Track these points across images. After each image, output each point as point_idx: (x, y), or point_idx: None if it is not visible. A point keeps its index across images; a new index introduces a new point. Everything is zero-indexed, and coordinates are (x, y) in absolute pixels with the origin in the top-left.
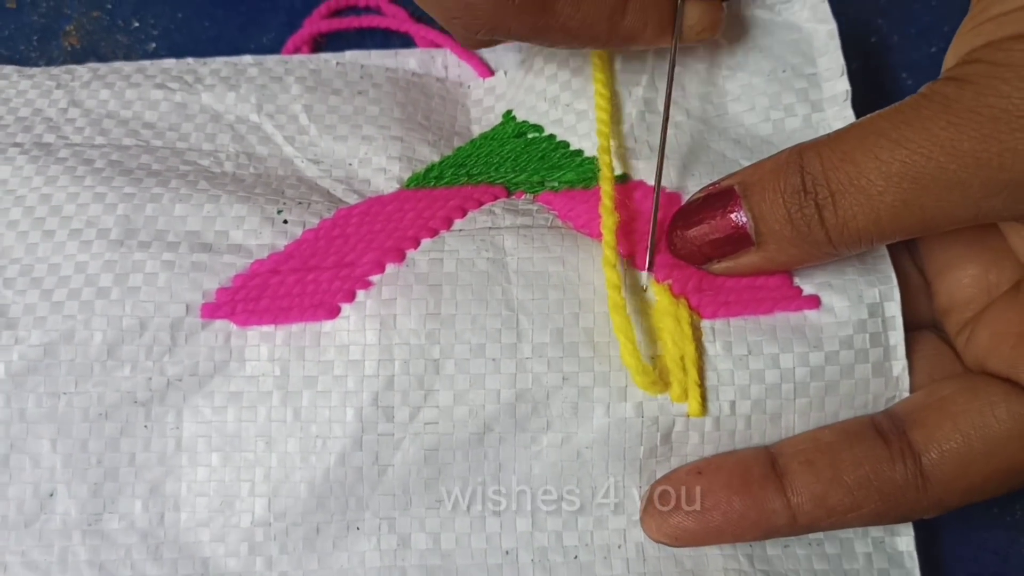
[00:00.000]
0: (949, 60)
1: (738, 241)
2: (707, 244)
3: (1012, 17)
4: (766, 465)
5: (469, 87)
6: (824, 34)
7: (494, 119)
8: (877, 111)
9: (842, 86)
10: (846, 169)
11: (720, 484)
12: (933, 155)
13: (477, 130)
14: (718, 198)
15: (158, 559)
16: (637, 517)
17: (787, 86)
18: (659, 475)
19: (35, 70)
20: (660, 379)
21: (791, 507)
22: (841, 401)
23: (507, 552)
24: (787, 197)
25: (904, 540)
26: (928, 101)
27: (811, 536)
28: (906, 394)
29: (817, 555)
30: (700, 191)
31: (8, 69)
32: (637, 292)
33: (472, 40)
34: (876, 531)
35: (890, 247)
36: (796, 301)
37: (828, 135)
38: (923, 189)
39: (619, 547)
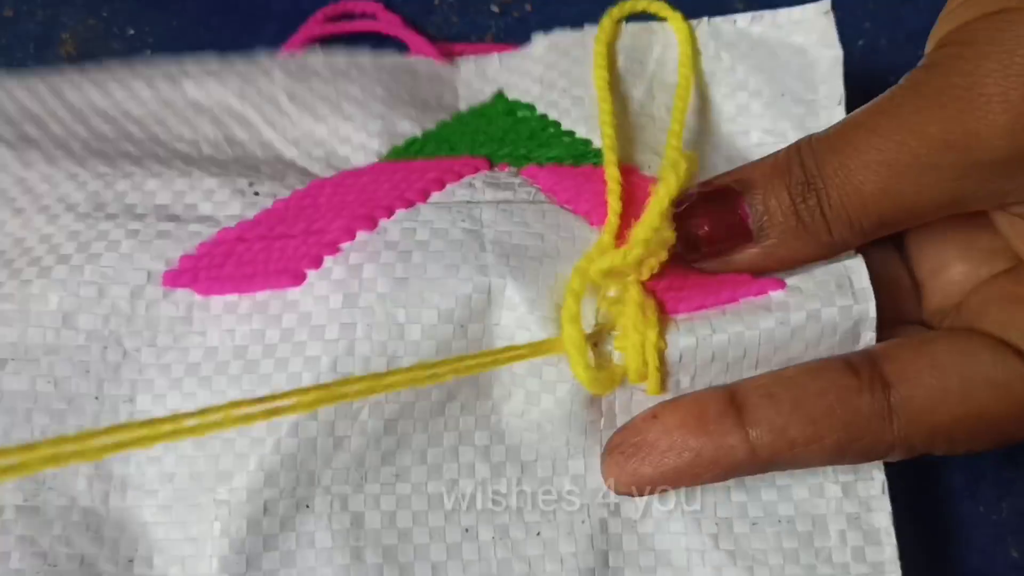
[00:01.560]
0: (927, 48)
1: (737, 236)
2: (703, 241)
3: (979, 0)
4: (723, 401)
5: (459, 66)
6: (829, 60)
7: (484, 98)
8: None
9: (838, 115)
10: (832, 161)
11: (675, 424)
12: (904, 141)
13: (464, 106)
14: (716, 196)
15: (99, 539)
16: (598, 490)
17: (784, 112)
18: None
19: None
20: (611, 379)
21: (749, 441)
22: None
23: (467, 529)
24: (792, 190)
25: (881, 516)
26: (901, 89)
27: (781, 513)
28: (872, 334)
29: (787, 532)
30: (691, 191)
31: (9, 82)
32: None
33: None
34: (851, 506)
35: (881, 250)
36: (759, 284)
37: (822, 131)
38: (899, 175)
39: (583, 522)
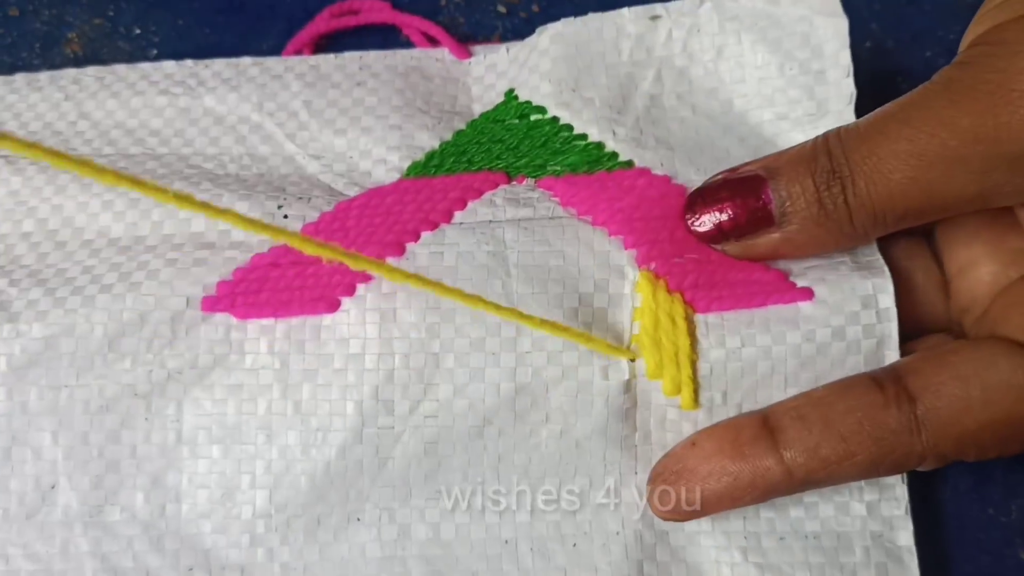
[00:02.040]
0: (961, 48)
1: (759, 221)
2: (726, 223)
3: (1013, 2)
4: (757, 425)
5: (470, 63)
6: (833, 28)
7: (495, 97)
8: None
9: (847, 88)
10: (861, 150)
11: (713, 450)
12: (936, 132)
13: (478, 109)
14: (742, 181)
15: (160, 550)
16: (634, 504)
17: (793, 81)
18: (655, 461)
19: (43, 79)
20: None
21: (784, 462)
22: None
23: (506, 542)
24: (817, 177)
25: (903, 535)
26: (933, 84)
27: (808, 530)
28: (895, 352)
29: (813, 548)
30: (717, 175)
31: (19, 81)
32: (630, 283)
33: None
34: (875, 525)
35: (912, 244)
36: (790, 293)
37: (851, 123)
38: (928, 165)
39: (617, 534)
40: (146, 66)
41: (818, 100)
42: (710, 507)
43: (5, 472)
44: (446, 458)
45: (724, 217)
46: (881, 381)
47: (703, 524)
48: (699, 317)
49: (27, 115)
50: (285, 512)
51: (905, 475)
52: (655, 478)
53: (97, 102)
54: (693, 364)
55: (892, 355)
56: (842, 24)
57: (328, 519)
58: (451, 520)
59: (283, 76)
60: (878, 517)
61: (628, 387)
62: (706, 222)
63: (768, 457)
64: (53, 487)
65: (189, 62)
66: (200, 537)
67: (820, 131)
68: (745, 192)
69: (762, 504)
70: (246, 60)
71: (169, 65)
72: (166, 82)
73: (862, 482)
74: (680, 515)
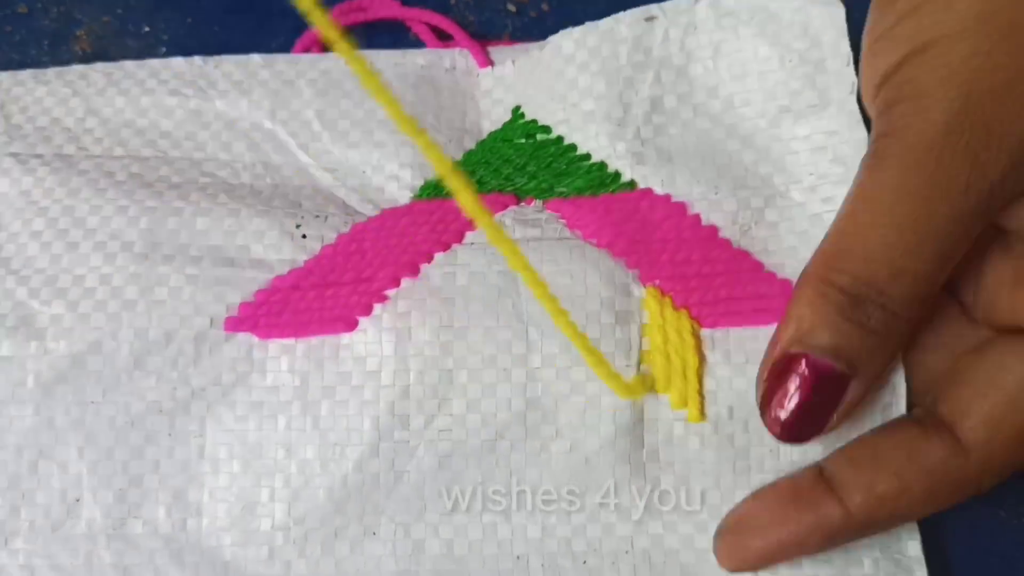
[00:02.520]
0: (866, 97)
1: (837, 385)
2: (813, 411)
3: (906, 28)
4: (813, 475)
5: (478, 75)
6: (829, 16)
7: (503, 113)
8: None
9: (848, 77)
10: (873, 269)
11: (774, 500)
12: (916, 205)
13: (487, 125)
14: (787, 368)
15: (181, 563)
16: (642, 521)
17: (793, 74)
18: (662, 479)
19: (50, 73)
20: (640, 385)
21: (844, 504)
22: None
23: (518, 557)
24: (851, 315)
25: (912, 545)
26: (875, 162)
27: None
28: (903, 401)
29: (822, 562)
30: (761, 376)
31: (24, 75)
32: (636, 300)
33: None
34: (883, 536)
35: None
36: None
37: (822, 250)
38: (948, 233)
39: (626, 552)
40: (155, 63)
41: (820, 90)
42: (777, 555)
43: (32, 486)
44: (460, 472)
45: (812, 411)
46: (917, 416)
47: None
48: (705, 332)
49: (34, 109)
50: (303, 525)
51: None
52: (722, 533)
53: (105, 99)
54: (700, 378)
55: (896, 374)
56: (838, 13)
57: (345, 532)
58: (464, 536)
59: (295, 82)
60: None
61: (635, 402)
62: (798, 426)
63: (827, 502)
64: (78, 501)
65: (198, 60)
66: (220, 550)
67: (824, 121)
68: (803, 378)
69: None
70: (256, 59)
71: (178, 63)
72: (176, 82)
73: None
74: (747, 565)
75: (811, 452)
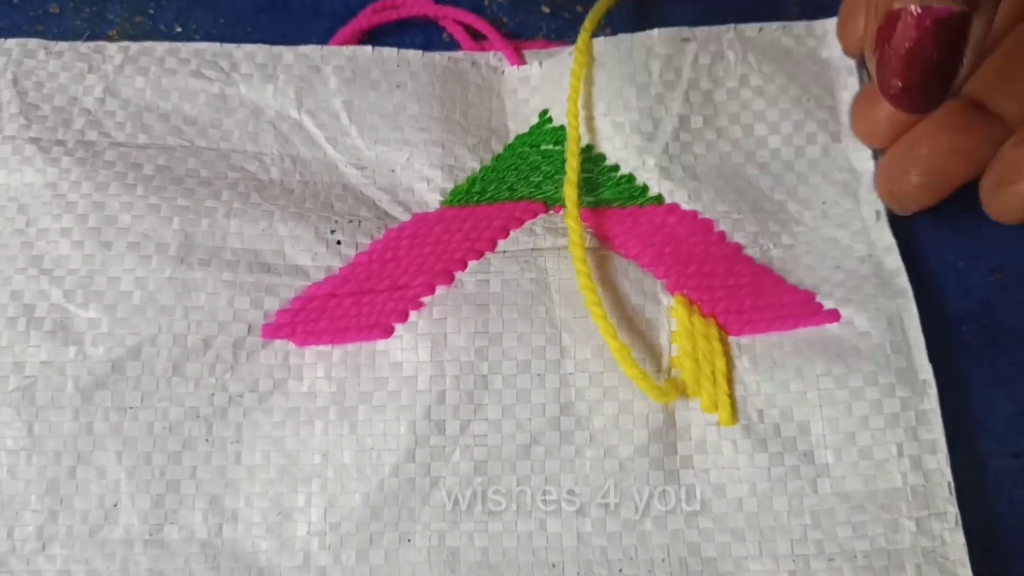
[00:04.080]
0: None
1: (962, 29)
2: (939, 68)
3: None
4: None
5: (503, 73)
6: (844, 70)
7: (529, 114)
8: None
9: None
10: None
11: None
12: None
13: (513, 127)
14: (898, 19)
15: (216, 568)
16: (678, 530)
17: (810, 115)
18: (697, 486)
19: (63, 46)
20: (672, 388)
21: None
22: (870, 407)
23: (553, 566)
24: None
25: (955, 549)
26: None
27: (858, 550)
28: (934, 399)
29: (863, 568)
30: (868, 44)
31: (34, 44)
32: (665, 308)
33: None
34: (926, 541)
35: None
36: (817, 316)
37: None
38: None
39: (663, 561)
40: (175, 44)
41: (832, 132)
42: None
43: (70, 491)
44: (495, 477)
45: (927, 45)
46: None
47: (751, 549)
48: (732, 340)
49: (49, 86)
50: (339, 531)
51: (953, 491)
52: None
53: (124, 78)
54: (730, 382)
55: (924, 370)
56: (852, 67)
57: (380, 539)
58: (499, 544)
59: (321, 69)
60: (929, 533)
61: (664, 406)
62: (924, 84)
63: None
64: (115, 506)
65: (221, 44)
66: (255, 556)
67: (836, 160)
68: (918, 18)
69: (810, 526)
70: (280, 47)
71: (199, 44)
72: (196, 61)
73: (910, 498)
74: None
75: (846, 455)
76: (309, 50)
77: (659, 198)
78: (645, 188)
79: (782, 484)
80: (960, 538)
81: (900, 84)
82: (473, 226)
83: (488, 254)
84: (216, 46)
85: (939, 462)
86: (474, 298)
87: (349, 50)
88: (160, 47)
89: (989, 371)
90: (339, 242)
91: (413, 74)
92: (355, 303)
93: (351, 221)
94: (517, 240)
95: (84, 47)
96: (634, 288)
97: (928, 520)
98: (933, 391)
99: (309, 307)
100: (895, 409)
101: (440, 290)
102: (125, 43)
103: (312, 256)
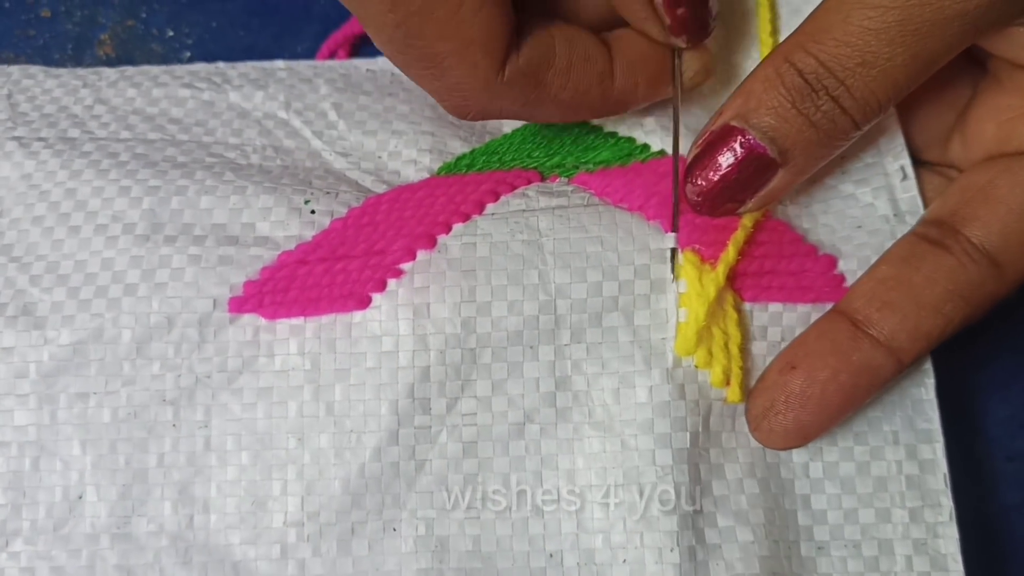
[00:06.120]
0: None
1: (764, 169)
2: (733, 187)
3: None
4: (848, 327)
5: None
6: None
7: None
8: None
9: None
10: (844, 53)
11: (818, 367)
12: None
13: (507, 127)
14: (722, 139)
15: (187, 563)
16: (688, 516)
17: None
18: (703, 469)
19: (62, 70)
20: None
21: (893, 351)
22: None
23: (551, 555)
24: (798, 103)
25: (947, 542)
26: None
27: (848, 537)
28: (932, 390)
29: (853, 556)
30: (697, 141)
31: (35, 69)
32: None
33: (466, 118)
34: (918, 532)
35: None
36: (838, 291)
37: (799, 29)
38: (927, 35)
39: (671, 550)
40: (172, 65)
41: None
42: (834, 417)
43: (33, 483)
44: (486, 460)
45: (729, 184)
46: (939, 240)
47: (757, 533)
48: (746, 306)
49: (42, 99)
50: (318, 520)
51: (948, 483)
52: (763, 414)
53: (117, 90)
54: (744, 353)
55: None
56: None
57: (363, 528)
58: (492, 531)
59: (312, 80)
60: (922, 523)
61: (670, 378)
62: (714, 197)
63: (876, 353)
64: (80, 498)
65: (219, 63)
66: (229, 549)
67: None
68: (734, 151)
69: (801, 510)
70: (276, 63)
71: (195, 65)
72: (190, 77)
73: (904, 488)
74: (798, 439)
75: (840, 440)
76: (303, 66)
77: (662, 152)
78: (646, 145)
79: (776, 468)
80: (953, 531)
81: (701, 183)
82: (459, 190)
83: (475, 216)
84: (211, 67)
85: (935, 452)
86: (459, 263)
87: (343, 67)
88: (156, 68)
89: (985, 375)
90: (313, 211)
91: (407, 89)
92: (327, 270)
93: (328, 193)
94: (508, 203)
95: (84, 70)
96: (638, 245)
97: (921, 511)
98: (931, 381)
99: (278, 276)
100: (892, 396)
101: (422, 256)
102: (123, 67)
103: (283, 226)
